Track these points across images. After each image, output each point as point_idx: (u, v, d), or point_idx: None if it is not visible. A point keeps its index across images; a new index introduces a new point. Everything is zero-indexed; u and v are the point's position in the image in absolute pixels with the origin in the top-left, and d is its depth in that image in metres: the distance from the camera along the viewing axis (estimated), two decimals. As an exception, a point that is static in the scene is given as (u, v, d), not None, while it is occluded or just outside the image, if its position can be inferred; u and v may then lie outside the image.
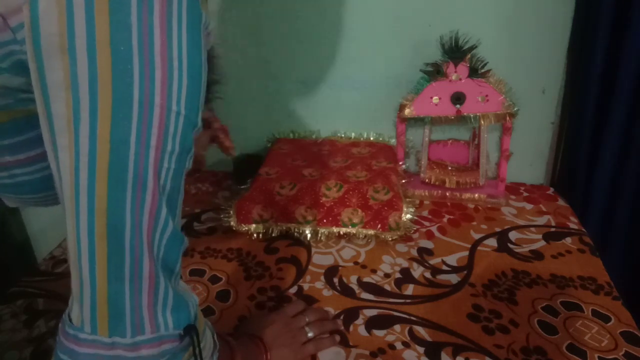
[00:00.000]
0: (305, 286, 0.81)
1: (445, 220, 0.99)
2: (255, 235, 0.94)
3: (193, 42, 0.38)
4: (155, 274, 0.40)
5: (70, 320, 0.40)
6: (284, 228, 0.94)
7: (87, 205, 0.37)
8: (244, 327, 0.70)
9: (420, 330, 0.72)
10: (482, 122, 1.02)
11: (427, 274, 0.84)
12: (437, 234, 0.95)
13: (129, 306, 0.39)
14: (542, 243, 0.91)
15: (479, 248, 0.90)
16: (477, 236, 0.94)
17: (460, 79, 1.00)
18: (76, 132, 0.35)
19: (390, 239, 0.91)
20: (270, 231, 0.94)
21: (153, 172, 0.38)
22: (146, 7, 0.35)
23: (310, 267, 0.86)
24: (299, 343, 0.67)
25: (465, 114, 1.02)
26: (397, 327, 0.72)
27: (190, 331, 0.42)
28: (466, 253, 0.89)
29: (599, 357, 0.67)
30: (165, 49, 0.36)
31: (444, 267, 0.85)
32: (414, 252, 0.89)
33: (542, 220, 0.99)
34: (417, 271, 0.84)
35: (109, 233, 0.37)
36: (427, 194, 1.07)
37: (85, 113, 0.35)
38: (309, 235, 0.93)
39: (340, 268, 0.85)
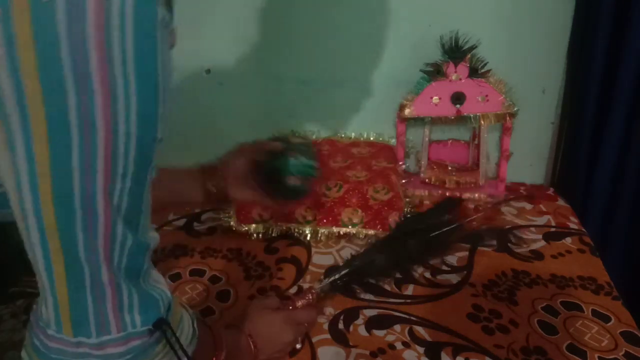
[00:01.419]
0: (305, 286, 0.81)
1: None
2: (255, 235, 0.94)
3: (142, 53, 0.34)
4: (117, 282, 0.40)
5: (41, 313, 0.41)
6: (284, 228, 0.94)
7: (37, 225, 0.36)
8: (241, 319, 0.69)
9: (420, 330, 0.72)
10: (482, 122, 1.02)
11: (427, 274, 0.84)
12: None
13: (93, 311, 0.39)
14: (542, 243, 0.91)
15: (479, 248, 0.90)
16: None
17: (460, 79, 1.00)
18: (13, 154, 0.34)
19: (390, 239, 0.91)
20: (270, 231, 0.94)
21: (103, 196, 0.36)
22: (77, 20, 0.31)
23: (310, 267, 0.86)
24: (288, 351, 0.68)
25: (465, 114, 1.02)
26: (397, 327, 0.72)
27: (161, 325, 0.43)
28: (466, 253, 0.89)
29: (599, 357, 0.67)
30: (104, 67, 0.33)
31: (444, 267, 0.85)
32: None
33: (542, 220, 0.99)
34: (417, 271, 0.84)
35: (63, 250, 0.37)
36: (427, 194, 1.07)
37: (18, 136, 0.33)
38: (309, 235, 0.93)
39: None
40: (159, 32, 0.35)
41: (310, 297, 0.73)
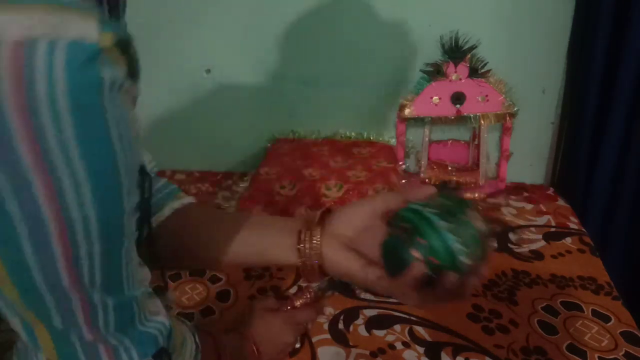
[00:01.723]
0: (304, 285, 0.81)
1: None
2: (255, 235, 0.94)
3: (86, 132, 0.29)
4: (107, 340, 0.38)
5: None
6: (284, 228, 0.94)
7: (8, 307, 0.35)
8: (242, 323, 0.69)
9: (420, 330, 0.72)
10: (482, 122, 1.02)
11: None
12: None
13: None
14: (542, 243, 0.91)
15: (479, 248, 0.90)
16: (477, 236, 0.93)
17: (460, 79, 1.00)
18: None
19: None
20: (270, 231, 0.94)
21: (68, 278, 0.33)
22: None
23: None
24: (288, 352, 0.68)
25: (465, 114, 1.02)
26: (397, 327, 0.72)
27: (161, 355, 0.42)
28: (466, 253, 0.89)
29: (599, 357, 0.67)
30: (39, 159, 0.28)
31: (444, 267, 0.85)
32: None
33: (542, 220, 0.99)
34: (417, 271, 0.84)
35: (42, 321, 0.36)
36: (427, 194, 1.07)
37: None
38: (309, 235, 0.93)
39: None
40: (108, 99, 0.30)
41: (309, 297, 0.73)
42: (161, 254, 0.53)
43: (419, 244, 0.45)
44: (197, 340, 0.50)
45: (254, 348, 0.63)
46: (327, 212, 0.55)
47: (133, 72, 0.33)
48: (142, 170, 0.50)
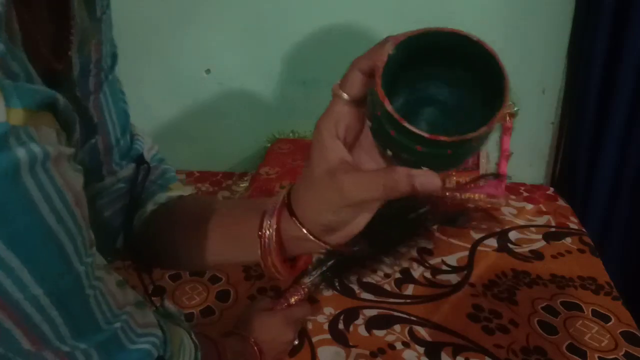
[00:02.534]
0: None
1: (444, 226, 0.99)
2: (255, 235, 0.94)
3: (7, 216, 0.27)
4: None
5: None
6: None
7: None
8: (241, 326, 0.69)
9: (420, 330, 0.72)
10: (482, 122, 1.02)
11: (427, 274, 0.84)
12: (437, 233, 0.95)
13: None
14: (542, 243, 0.91)
15: (479, 248, 0.90)
16: (477, 236, 0.94)
17: (460, 79, 1.00)
18: None
19: (390, 239, 0.91)
20: (270, 231, 0.94)
21: (33, 344, 0.32)
22: None
23: (310, 267, 0.86)
24: (288, 350, 0.68)
25: (465, 113, 1.01)
26: (397, 327, 0.72)
27: None
28: (466, 253, 0.89)
29: (599, 357, 0.67)
30: None
31: (444, 267, 0.85)
32: (414, 252, 0.89)
33: (542, 220, 0.99)
34: (417, 271, 0.84)
35: None
36: (427, 194, 1.07)
37: None
38: (309, 235, 0.93)
39: (340, 268, 0.85)
40: (31, 177, 0.28)
41: (302, 293, 0.73)
42: (144, 253, 0.52)
43: None
44: (194, 338, 0.50)
45: (256, 349, 0.63)
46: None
47: (68, 125, 0.31)
48: (140, 160, 0.50)
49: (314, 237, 0.42)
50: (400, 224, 0.87)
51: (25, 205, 0.28)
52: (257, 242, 0.45)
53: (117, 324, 0.37)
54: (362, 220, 0.42)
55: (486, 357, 0.67)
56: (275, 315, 0.68)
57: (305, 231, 0.42)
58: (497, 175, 1.05)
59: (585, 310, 0.75)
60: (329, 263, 0.79)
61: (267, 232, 0.44)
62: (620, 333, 0.70)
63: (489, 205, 1.04)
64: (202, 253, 0.51)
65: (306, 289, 0.74)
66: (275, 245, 0.44)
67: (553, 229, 0.95)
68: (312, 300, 0.77)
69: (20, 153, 0.27)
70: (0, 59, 0.27)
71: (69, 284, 0.32)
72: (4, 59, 0.27)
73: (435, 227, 0.95)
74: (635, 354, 0.67)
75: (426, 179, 0.36)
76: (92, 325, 0.35)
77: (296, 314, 0.70)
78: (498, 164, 1.08)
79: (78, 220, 0.32)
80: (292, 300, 0.72)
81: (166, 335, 0.44)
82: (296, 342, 0.70)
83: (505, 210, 1.02)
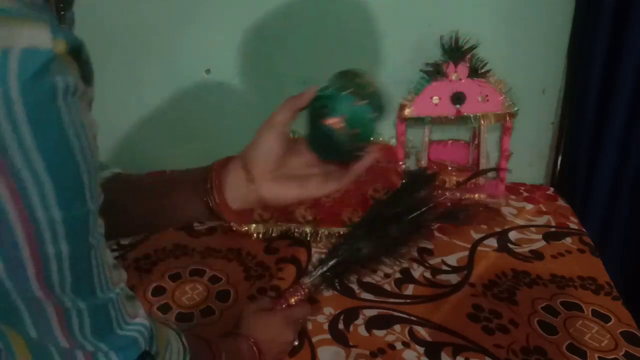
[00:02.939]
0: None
1: (446, 224, 0.99)
2: (255, 235, 0.94)
3: (43, 132, 0.31)
4: (83, 345, 0.38)
5: None
6: (284, 228, 0.94)
7: None
8: (240, 326, 0.69)
9: (420, 330, 0.72)
10: (482, 122, 1.02)
11: (427, 274, 0.84)
12: (437, 233, 0.95)
13: None
14: (542, 243, 0.91)
15: (479, 248, 0.90)
16: (477, 236, 0.94)
17: (460, 79, 1.00)
18: None
19: (390, 239, 0.91)
20: (270, 231, 0.94)
21: (38, 283, 0.34)
22: None
23: (310, 267, 0.86)
24: (288, 350, 0.68)
25: (465, 114, 1.02)
26: (397, 327, 0.72)
27: (144, 358, 0.42)
28: (466, 253, 0.89)
29: (599, 357, 0.67)
30: (2, 161, 0.30)
31: (444, 267, 0.85)
32: (414, 252, 0.89)
33: (542, 220, 0.99)
34: (417, 271, 0.84)
35: (16, 331, 0.36)
36: (427, 194, 1.07)
37: None
38: (309, 235, 0.93)
39: (340, 268, 0.85)
40: (63, 102, 0.31)
41: (302, 293, 0.73)
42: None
43: (341, 119, 0.51)
44: (184, 341, 0.50)
45: (254, 349, 0.63)
46: (228, 162, 0.58)
47: (86, 76, 0.34)
48: None
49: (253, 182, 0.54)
50: (401, 223, 0.87)
51: (59, 127, 0.31)
52: (181, 213, 0.56)
53: (111, 295, 0.39)
54: (294, 189, 0.55)
55: (486, 357, 0.67)
56: (275, 315, 0.68)
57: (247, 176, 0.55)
58: (496, 170, 1.05)
59: (585, 310, 0.75)
60: (330, 263, 0.79)
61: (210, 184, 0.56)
62: (620, 333, 0.70)
63: (489, 206, 1.04)
64: (138, 222, 0.58)
65: (306, 289, 0.74)
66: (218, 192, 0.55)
67: (553, 229, 0.96)
68: (312, 300, 0.77)
69: (59, 80, 0.30)
70: (40, 7, 0.32)
71: (81, 217, 0.35)
72: (44, 7, 0.32)
73: (435, 226, 0.95)
74: (635, 354, 0.67)
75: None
76: (89, 283, 0.37)
77: (296, 314, 0.70)
78: (498, 164, 1.08)
79: (94, 158, 0.35)
80: (292, 300, 0.72)
81: (153, 332, 0.44)
82: (296, 343, 0.70)
83: (505, 210, 1.02)
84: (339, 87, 0.54)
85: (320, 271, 0.77)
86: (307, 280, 0.75)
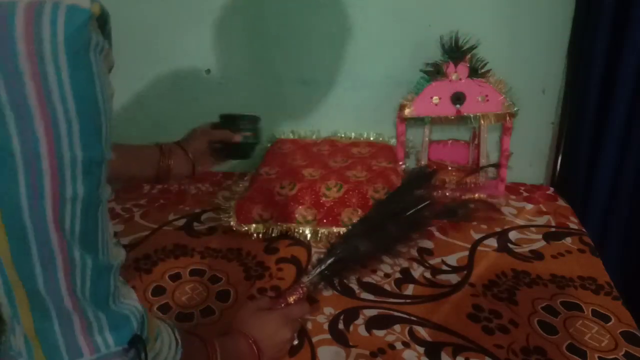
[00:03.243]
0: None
1: (445, 220, 0.99)
2: (255, 235, 0.94)
3: (78, 77, 0.35)
4: (82, 308, 0.39)
5: (10, 343, 0.40)
6: (284, 228, 0.94)
7: None
8: (238, 324, 0.69)
9: (420, 330, 0.72)
10: (482, 122, 1.02)
11: (427, 274, 0.84)
12: (437, 233, 0.95)
13: (61, 337, 0.39)
14: (542, 243, 0.91)
15: (479, 248, 0.90)
16: (477, 236, 0.94)
17: (460, 79, 1.00)
18: None
19: (390, 239, 0.91)
20: (270, 231, 0.94)
21: (53, 222, 0.36)
22: (8, 54, 0.32)
23: (310, 267, 0.86)
24: (288, 349, 0.68)
25: (465, 114, 1.02)
26: (397, 327, 0.72)
27: (136, 342, 0.42)
28: (466, 253, 0.89)
29: (599, 357, 0.67)
30: (41, 95, 0.34)
31: (444, 267, 0.85)
32: (414, 252, 0.89)
33: (542, 220, 0.99)
34: (417, 271, 0.84)
35: (23, 282, 0.37)
36: (427, 194, 1.07)
37: None
38: (309, 235, 0.93)
39: (340, 268, 0.85)
40: (94, 56, 0.36)
41: (301, 292, 0.73)
42: None
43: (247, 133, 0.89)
44: (177, 336, 0.51)
45: (253, 347, 0.63)
46: (169, 147, 0.85)
47: (109, 43, 0.39)
48: None
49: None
50: (399, 221, 0.87)
51: (89, 76, 0.36)
52: (151, 161, 0.81)
53: (112, 263, 0.42)
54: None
55: (486, 357, 0.67)
56: (273, 314, 0.68)
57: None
58: (496, 166, 1.05)
59: (585, 310, 0.75)
60: (328, 262, 0.79)
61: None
62: (620, 333, 0.70)
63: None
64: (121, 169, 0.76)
65: (305, 289, 0.74)
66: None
67: (553, 229, 0.96)
68: (312, 300, 0.77)
69: (93, 37, 0.36)
70: None
71: (97, 162, 0.38)
72: None
73: (434, 225, 0.95)
74: (635, 354, 0.67)
75: None
76: (94, 240, 0.40)
77: (294, 313, 0.70)
78: (498, 162, 1.08)
79: (111, 114, 0.39)
80: (291, 299, 0.72)
81: (145, 318, 0.45)
82: (296, 342, 0.70)
83: (505, 210, 1.02)
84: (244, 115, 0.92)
85: (319, 270, 0.77)
86: (305, 280, 0.75)
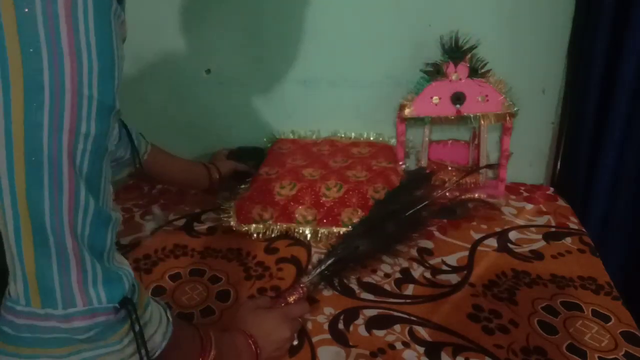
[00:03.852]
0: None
1: (445, 220, 0.99)
2: (255, 235, 0.94)
3: (101, 29, 0.40)
4: (81, 252, 0.41)
5: (9, 294, 0.42)
6: (284, 228, 0.94)
7: (9, 185, 0.39)
8: (238, 322, 0.69)
9: (420, 330, 0.72)
10: (482, 122, 1.02)
11: (427, 274, 0.84)
12: (437, 233, 0.95)
13: (58, 281, 0.41)
14: (542, 243, 0.91)
15: (479, 248, 0.90)
16: (477, 236, 0.94)
17: (460, 79, 1.00)
18: None
19: (390, 239, 0.91)
20: (270, 231, 0.94)
21: (67, 154, 0.40)
22: (50, 1, 0.37)
23: (310, 267, 0.86)
24: (287, 348, 0.68)
25: (465, 114, 1.02)
26: (397, 327, 0.72)
27: (126, 304, 0.44)
28: (466, 253, 0.89)
29: (599, 357, 0.67)
30: (72, 37, 0.39)
31: (444, 267, 0.85)
32: (414, 252, 0.89)
33: (542, 220, 0.99)
34: (417, 271, 0.84)
35: (30, 213, 0.39)
36: (427, 194, 1.07)
37: None
38: (309, 235, 0.93)
39: (340, 268, 0.85)
40: (114, 19, 0.42)
41: (301, 291, 0.74)
42: (146, 176, 0.92)
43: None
44: (169, 315, 0.52)
45: (251, 343, 0.63)
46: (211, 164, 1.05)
47: (121, 10, 0.44)
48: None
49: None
50: (398, 220, 0.87)
51: (109, 31, 0.41)
52: (202, 176, 1.03)
53: (112, 215, 0.45)
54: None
55: (486, 357, 0.67)
56: (272, 311, 0.68)
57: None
58: (495, 166, 1.05)
59: (585, 310, 0.75)
60: (328, 262, 0.79)
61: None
62: (620, 333, 0.70)
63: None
64: (173, 176, 0.99)
65: (305, 288, 0.74)
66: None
67: (553, 229, 0.96)
68: (312, 300, 0.77)
69: (114, 2, 0.42)
70: None
71: (109, 107, 0.42)
72: None
73: (434, 225, 0.95)
74: (635, 354, 0.67)
75: None
76: (97, 185, 0.43)
77: (294, 311, 0.70)
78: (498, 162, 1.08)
79: (122, 71, 0.43)
80: (291, 299, 0.72)
81: (136, 286, 0.47)
82: (296, 342, 0.70)
83: (505, 210, 1.02)
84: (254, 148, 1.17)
85: (319, 270, 0.77)
86: (305, 280, 0.75)
